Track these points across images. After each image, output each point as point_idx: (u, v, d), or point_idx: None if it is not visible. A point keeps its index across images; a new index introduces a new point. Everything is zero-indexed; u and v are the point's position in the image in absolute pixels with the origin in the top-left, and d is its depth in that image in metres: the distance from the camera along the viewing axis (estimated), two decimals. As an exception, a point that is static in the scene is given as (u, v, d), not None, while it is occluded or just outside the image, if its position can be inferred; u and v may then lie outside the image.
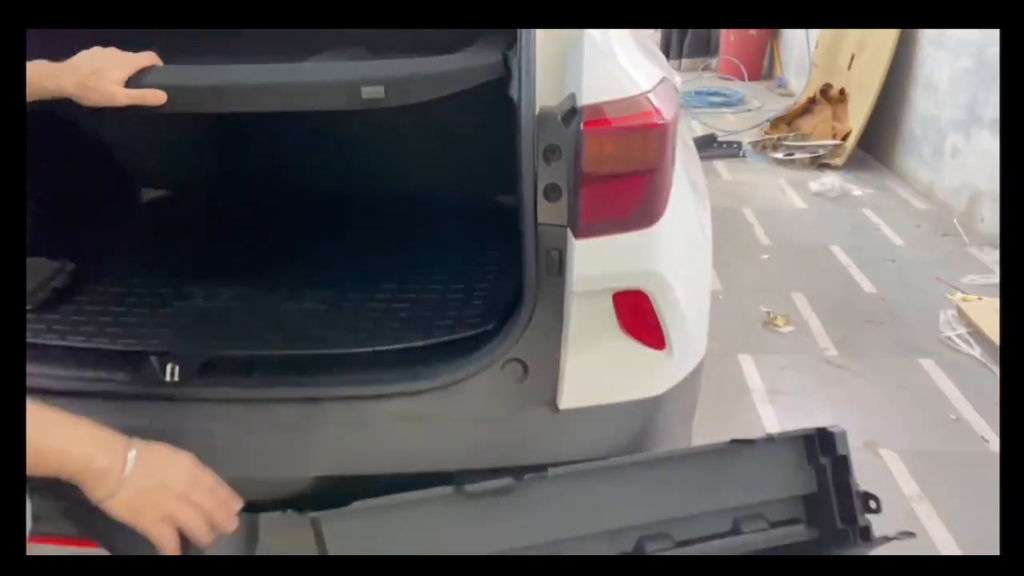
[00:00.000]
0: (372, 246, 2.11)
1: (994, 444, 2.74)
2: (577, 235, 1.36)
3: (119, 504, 1.03)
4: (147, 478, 1.05)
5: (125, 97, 1.22)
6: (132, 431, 1.11)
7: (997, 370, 3.17)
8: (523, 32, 1.38)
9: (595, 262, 1.38)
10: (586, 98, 1.33)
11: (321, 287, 1.81)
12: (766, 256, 4.44)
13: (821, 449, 1.51)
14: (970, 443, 2.77)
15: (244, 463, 1.45)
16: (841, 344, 3.44)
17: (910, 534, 1.51)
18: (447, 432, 1.46)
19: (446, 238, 2.09)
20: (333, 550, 1.30)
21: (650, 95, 1.38)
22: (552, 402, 1.48)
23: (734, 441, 1.47)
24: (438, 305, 1.71)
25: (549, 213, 1.37)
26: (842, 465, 1.50)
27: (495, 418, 1.47)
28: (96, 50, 1.23)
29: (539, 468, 1.36)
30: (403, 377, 1.47)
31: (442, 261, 1.93)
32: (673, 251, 1.47)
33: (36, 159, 1.60)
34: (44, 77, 1.17)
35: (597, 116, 1.32)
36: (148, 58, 1.29)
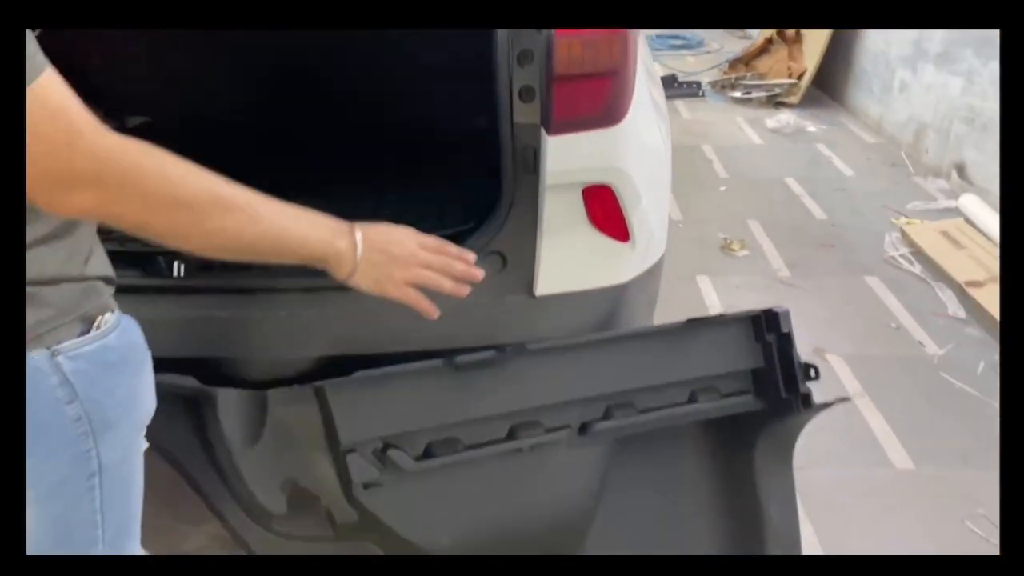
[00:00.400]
0: (361, 161, 2.24)
1: (929, 348, 2.99)
2: (550, 132, 1.51)
3: (362, 279, 1.11)
4: (377, 252, 1.11)
5: (398, 296, 1.16)
6: (151, 321, 1.23)
7: (935, 285, 3.42)
8: None
9: (566, 158, 1.54)
10: None
11: (309, 195, 1.94)
12: (723, 188, 4.64)
13: (767, 327, 1.70)
14: (908, 348, 3.01)
15: (250, 346, 1.60)
16: (793, 265, 3.65)
17: (845, 399, 1.71)
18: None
19: (431, 155, 2.22)
20: (338, 416, 1.46)
21: None
22: (529, 289, 1.64)
23: (690, 320, 1.66)
24: (423, 206, 1.86)
25: (524, 113, 1.52)
26: (786, 341, 1.69)
27: (478, 304, 1.63)
28: (385, 235, 1.15)
29: (519, 344, 1.53)
30: None
31: (427, 172, 2.07)
32: (636, 150, 1.63)
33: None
34: (337, 264, 1.10)
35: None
36: (437, 243, 1.19)
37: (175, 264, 1.63)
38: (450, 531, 1.55)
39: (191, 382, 1.51)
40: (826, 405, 1.68)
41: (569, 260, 1.65)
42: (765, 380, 1.71)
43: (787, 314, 1.70)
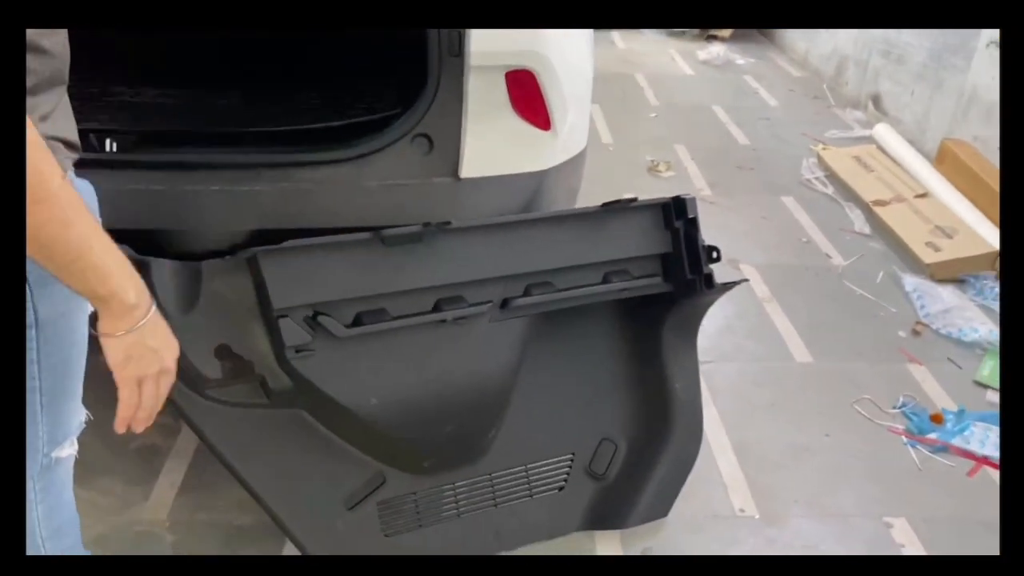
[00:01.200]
0: (295, 51, 2.28)
1: (835, 260, 3.19)
2: (474, 18, 1.58)
3: (119, 346, 1.04)
4: (151, 337, 1.06)
5: None
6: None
7: (845, 205, 3.62)
8: None
9: (490, 40, 1.62)
10: None
11: (246, 82, 1.98)
12: (653, 115, 4.76)
13: (676, 214, 1.83)
14: (816, 259, 3.22)
15: (185, 219, 1.65)
16: (715, 185, 3.82)
17: (744, 280, 1.86)
18: (364, 195, 1.70)
19: (359, 47, 2.26)
20: (270, 283, 1.53)
21: None
22: (454, 172, 1.73)
23: (605, 204, 1.77)
24: (354, 92, 1.92)
25: (450, -2, 1.59)
26: (692, 226, 1.82)
27: (405, 184, 1.72)
28: None
29: (444, 222, 1.62)
30: (326, 149, 1.70)
31: (357, 62, 2.12)
32: (558, 40, 1.71)
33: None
34: None
35: None
36: None
37: (107, 140, 1.66)
38: (378, 394, 1.65)
39: (126, 250, 1.56)
40: (726, 285, 1.83)
41: (493, 145, 1.74)
42: (673, 264, 1.85)
43: (694, 201, 1.82)
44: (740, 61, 5.76)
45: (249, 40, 2.37)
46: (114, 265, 0.99)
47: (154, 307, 1.06)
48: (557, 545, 1.87)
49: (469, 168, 1.73)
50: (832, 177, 3.89)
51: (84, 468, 2.01)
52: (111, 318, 1.02)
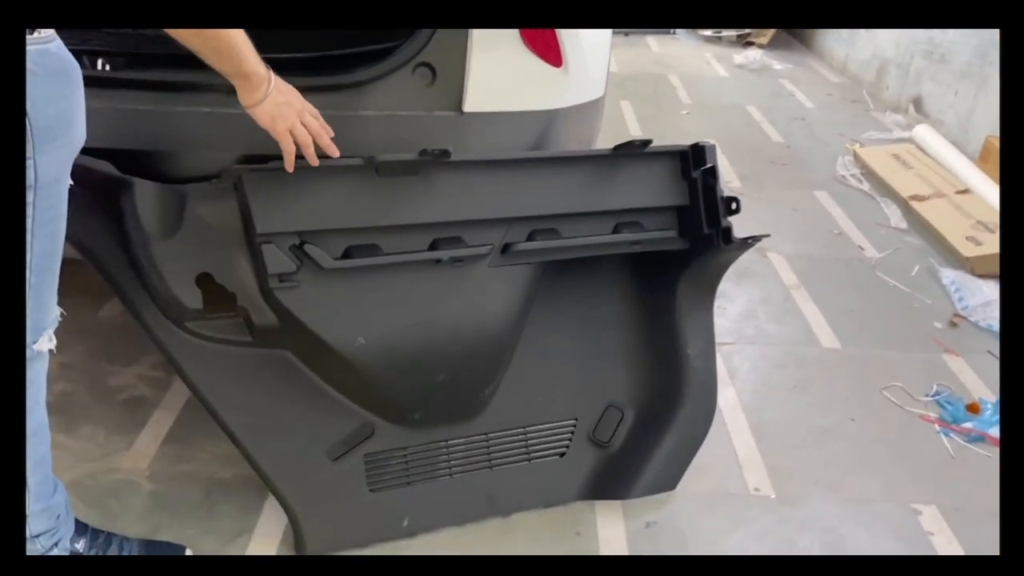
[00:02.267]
0: None
1: (869, 252, 3.04)
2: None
3: (264, 111, 1.35)
4: (280, 94, 1.36)
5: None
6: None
7: (881, 200, 3.47)
8: None
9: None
10: None
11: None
12: (685, 112, 4.64)
13: (694, 163, 1.71)
14: (848, 251, 3.06)
15: (172, 140, 1.58)
16: (745, 178, 3.69)
17: (766, 235, 1.74)
18: (362, 126, 1.61)
19: None
20: (255, 205, 1.45)
21: None
22: (458, 105, 1.64)
23: (618, 147, 1.67)
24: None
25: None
26: (711, 175, 1.71)
27: (406, 115, 1.63)
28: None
29: (443, 151, 1.52)
30: (322, 74, 1.61)
31: None
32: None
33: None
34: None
35: None
36: None
37: (99, 61, 1.60)
38: (365, 334, 1.55)
39: (108, 167, 1.49)
40: (747, 241, 1.70)
41: (499, 78, 1.65)
42: (689, 218, 1.74)
43: (713, 148, 1.71)
44: (777, 66, 5.63)
45: None
46: (250, 52, 1.28)
47: (272, 74, 1.34)
48: (555, 514, 1.75)
49: (473, 102, 1.64)
50: (868, 174, 3.73)
51: (67, 416, 1.97)
52: (251, 91, 1.32)
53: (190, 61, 1.28)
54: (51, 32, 1.07)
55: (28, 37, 1.01)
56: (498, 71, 1.64)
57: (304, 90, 1.57)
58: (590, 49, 1.76)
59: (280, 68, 1.64)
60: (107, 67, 1.58)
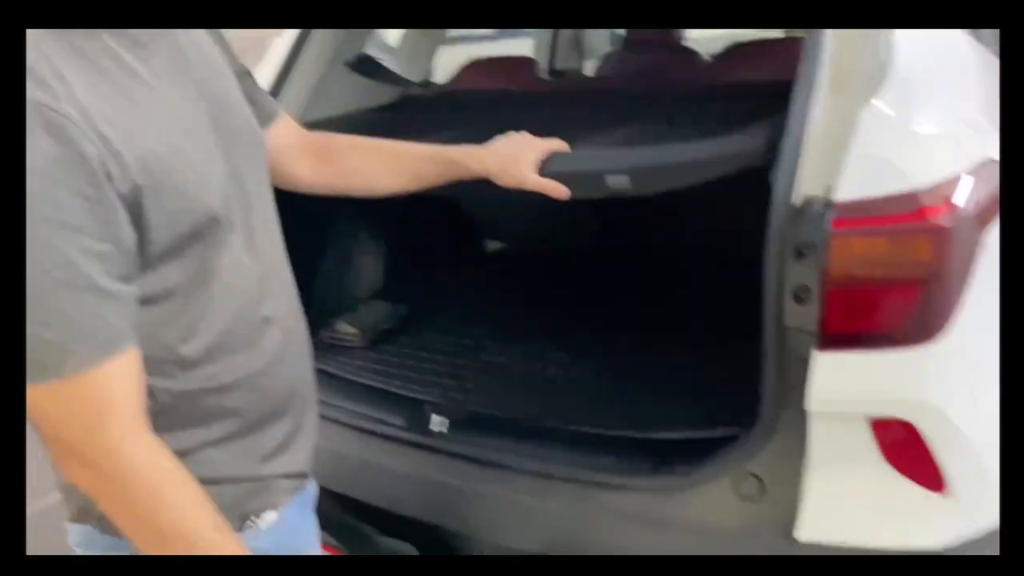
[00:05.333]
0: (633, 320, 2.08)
1: None
2: (821, 346, 1.17)
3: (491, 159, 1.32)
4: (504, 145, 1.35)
5: (533, 184, 1.33)
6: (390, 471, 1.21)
7: None
8: (797, 104, 1.26)
9: (845, 381, 1.17)
10: (843, 191, 1.15)
11: (589, 357, 1.83)
12: None
13: None
14: None
15: (476, 525, 1.51)
16: None
17: None
18: (662, 538, 1.35)
19: (691, 341, 1.92)
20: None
21: (938, 188, 1.14)
22: (788, 530, 1.29)
23: None
24: (682, 395, 1.61)
25: (797, 316, 1.19)
26: None
27: (719, 536, 1.33)
28: (514, 135, 1.37)
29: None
30: (629, 468, 1.41)
31: (684, 364, 1.78)
32: (959, 376, 1.18)
33: (391, 212, 1.86)
34: (471, 159, 1.32)
35: (852, 213, 1.13)
36: (558, 143, 1.39)
37: (436, 417, 1.61)
38: None
39: (409, 549, 1.48)
40: None
41: (849, 502, 1.26)
42: None
43: None
44: None
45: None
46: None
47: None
48: None
49: (812, 529, 1.27)
50: None
51: None
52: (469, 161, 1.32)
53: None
54: (272, 516, 1.02)
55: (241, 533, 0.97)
56: (848, 494, 1.25)
57: (598, 486, 1.40)
58: (990, 454, 1.26)
59: (579, 444, 1.49)
60: (444, 428, 1.58)
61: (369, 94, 2.24)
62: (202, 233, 0.90)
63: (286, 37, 1.96)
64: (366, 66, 2.16)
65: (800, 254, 1.19)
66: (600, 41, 4.09)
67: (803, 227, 1.18)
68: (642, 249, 2.49)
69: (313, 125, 1.93)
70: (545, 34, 3.38)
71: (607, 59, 3.13)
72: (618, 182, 1.35)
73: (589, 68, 3.28)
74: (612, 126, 1.68)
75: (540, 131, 1.60)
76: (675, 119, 1.71)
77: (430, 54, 2.69)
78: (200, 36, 1.02)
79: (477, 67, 2.64)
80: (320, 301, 2.06)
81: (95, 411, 0.82)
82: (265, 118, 1.17)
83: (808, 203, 1.19)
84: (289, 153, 1.24)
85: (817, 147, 1.23)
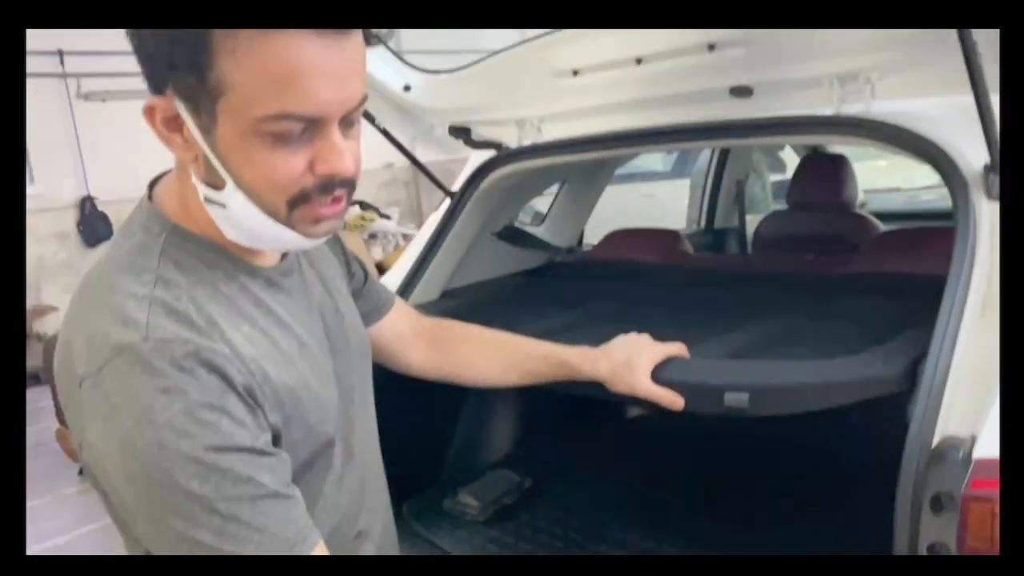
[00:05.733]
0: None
1: None
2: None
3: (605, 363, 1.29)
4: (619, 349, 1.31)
5: (646, 392, 1.26)
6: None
7: None
8: (943, 324, 1.15)
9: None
10: (987, 445, 1.01)
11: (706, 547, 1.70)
12: None
13: None
14: None
15: None
16: None
17: None
18: None
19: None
20: None
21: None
22: None
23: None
24: None
25: None
26: None
27: None
28: (632, 336, 1.33)
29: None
30: None
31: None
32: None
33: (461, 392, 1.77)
34: (584, 362, 1.29)
35: (991, 474, 0.98)
36: (677, 348, 1.32)
37: None
38: None
39: None
40: None
41: None
42: None
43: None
44: None
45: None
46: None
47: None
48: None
49: None
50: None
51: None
52: (582, 363, 1.31)
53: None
54: None
55: None
56: None
57: None
58: None
59: None
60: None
61: (515, 260, 2.28)
62: (316, 458, 0.95)
63: (440, 209, 2.07)
64: (513, 235, 2.22)
65: (937, 505, 1.05)
66: (762, 197, 4.14)
67: (941, 475, 1.04)
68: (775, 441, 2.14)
69: (457, 292, 2.07)
70: (703, 185, 3.46)
71: (768, 219, 3.10)
72: (737, 400, 1.25)
73: (750, 225, 3.36)
74: (745, 318, 1.63)
75: (668, 318, 1.62)
76: (815, 313, 1.62)
77: (580, 219, 2.73)
78: (321, 253, 1.09)
79: (623, 236, 2.62)
80: (451, 467, 2.07)
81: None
82: (382, 308, 1.27)
83: (948, 446, 1.05)
84: (402, 341, 1.31)
85: (962, 379, 1.11)
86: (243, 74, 0.77)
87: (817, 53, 1.45)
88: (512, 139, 1.94)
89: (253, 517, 0.80)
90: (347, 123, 0.84)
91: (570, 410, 2.27)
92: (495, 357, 1.34)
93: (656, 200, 5.55)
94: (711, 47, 1.52)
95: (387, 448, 1.73)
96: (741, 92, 1.57)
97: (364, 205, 7.51)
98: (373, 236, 7.19)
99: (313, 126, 0.81)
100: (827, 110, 1.48)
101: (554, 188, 2.64)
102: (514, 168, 1.91)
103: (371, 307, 1.23)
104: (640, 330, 1.36)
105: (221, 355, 0.82)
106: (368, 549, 1.05)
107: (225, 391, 0.81)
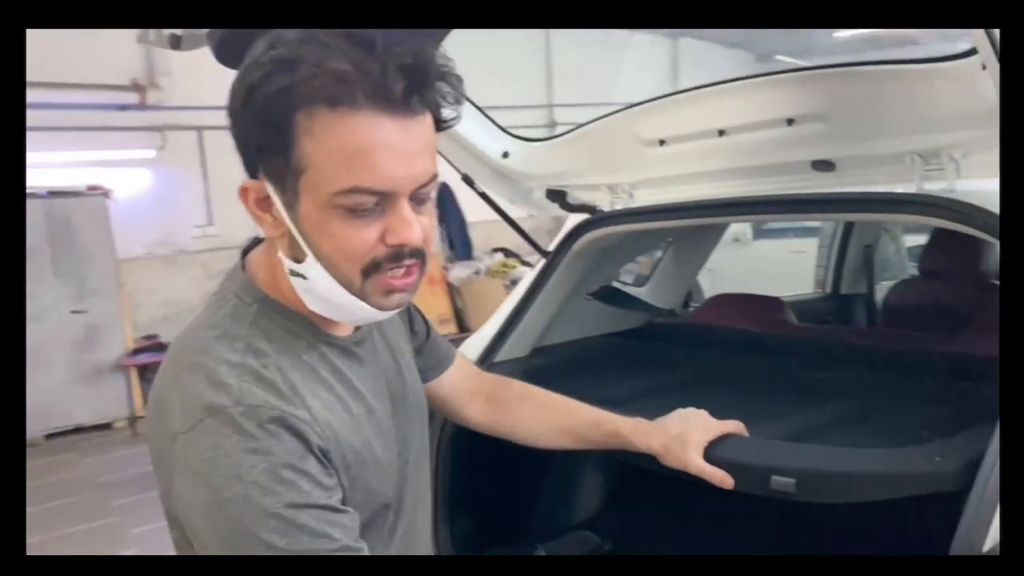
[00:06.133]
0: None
1: None
2: None
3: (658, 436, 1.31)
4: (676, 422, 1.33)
5: (696, 468, 1.26)
6: None
7: None
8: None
9: None
10: None
11: None
12: None
13: None
14: None
15: None
16: None
17: None
18: None
19: None
20: None
21: None
22: None
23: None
24: None
25: None
26: None
27: None
28: (690, 411, 1.34)
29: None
30: None
31: None
32: None
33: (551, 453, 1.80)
34: (637, 435, 1.31)
35: None
36: (733, 426, 1.33)
37: None
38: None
39: None
40: None
41: None
42: None
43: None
44: None
45: None
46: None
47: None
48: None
49: None
50: None
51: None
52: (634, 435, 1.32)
53: None
54: None
55: None
56: None
57: None
58: None
59: None
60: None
61: (612, 320, 2.31)
62: (374, 519, 1.03)
63: (536, 268, 2.14)
64: (610, 295, 2.26)
65: None
66: (897, 261, 3.95)
67: None
68: None
69: (547, 349, 2.13)
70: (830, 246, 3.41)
71: (899, 287, 3.04)
72: (783, 484, 1.23)
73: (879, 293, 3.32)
74: (821, 396, 1.62)
75: (744, 391, 1.64)
76: (898, 395, 1.59)
77: (685, 281, 2.73)
78: (392, 321, 1.17)
79: (724, 301, 2.64)
80: (536, 524, 2.09)
81: None
82: (443, 364, 1.35)
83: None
84: (461, 397, 1.38)
85: None
86: (320, 152, 0.86)
87: (895, 129, 1.46)
88: (605, 203, 2.03)
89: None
90: (418, 199, 0.92)
91: (662, 475, 2.30)
92: (548, 421, 1.38)
93: (806, 256, 5.36)
94: (790, 121, 1.56)
95: (477, 498, 1.90)
96: (823, 166, 1.60)
97: (507, 252, 7.73)
98: (514, 282, 7.47)
99: (384, 200, 0.89)
100: (909, 187, 1.47)
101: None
102: (607, 231, 1.98)
103: (432, 363, 1.31)
104: (713, 402, 1.37)
105: (303, 420, 0.90)
106: None
107: (305, 453, 0.89)
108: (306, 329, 0.99)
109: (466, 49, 1.25)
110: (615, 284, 2.33)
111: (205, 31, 1.28)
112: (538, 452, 1.60)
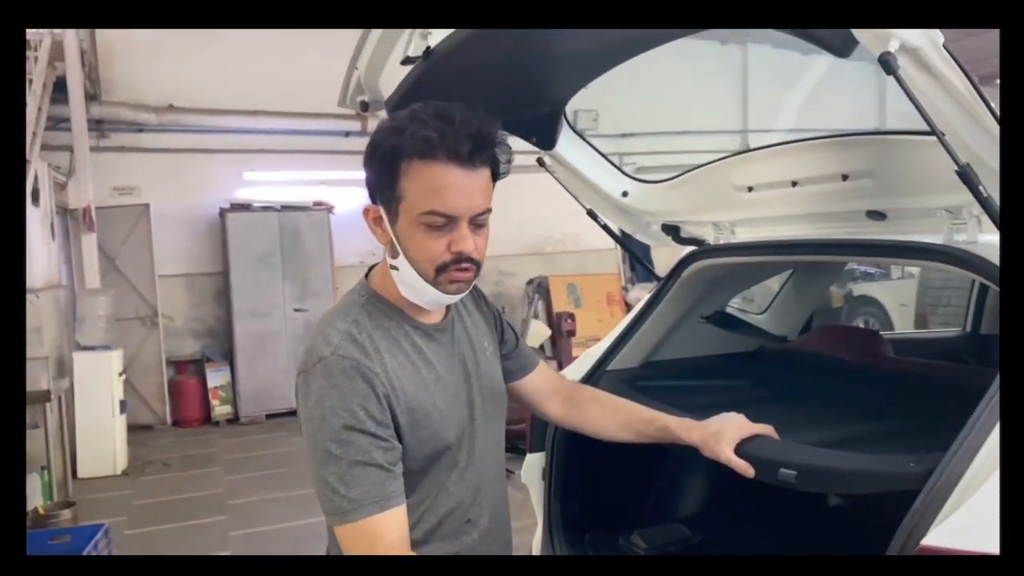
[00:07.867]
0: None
1: None
2: None
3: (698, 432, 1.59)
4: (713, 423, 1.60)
5: (725, 459, 1.54)
6: None
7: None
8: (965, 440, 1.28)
9: None
10: (940, 537, 1.17)
11: None
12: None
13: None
14: None
15: None
16: None
17: None
18: None
19: None
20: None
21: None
22: None
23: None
24: None
25: None
26: None
27: None
28: (730, 414, 1.61)
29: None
30: None
31: None
32: None
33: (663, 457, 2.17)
34: (682, 429, 1.61)
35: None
36: (763, 428, 1.59)
37: None
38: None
39: None
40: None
41: None
42: None
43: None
44: None
45: None
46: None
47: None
48: None
49: None
50: None
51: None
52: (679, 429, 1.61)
53: None
54: None
55: None
56: None
57: None
58: None
59: None
60: None
61: (724, 343, 2.58)
62: (439, 456, 1.40)
63: (650, 289, 2.47)
64: (720, 319, 2.54)
65: None
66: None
67: None
68: None
69: (655, 364, 2.41)
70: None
71: None
72: (787, 476, 1.51)
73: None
74: (867, 416, 1.84)
75: (801, 406, 1.87)
76: (940, 414, 1.66)
77: (803, 311, 3.02)
78: (476, 322, 1.57)
79: (828, 331, 2.96)
80: (643, 513, 2.35)
81: (370, 543, 1.28)
82: (527, 368, 1.70)
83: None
84: (542, 395, 1.73)
85: (972, 493, 1.22)
86: (413, 187, 1.29)
87: (925, 187, 1.69)
88: (711, 238, 2.34)
89: (362, 475, 1.27)
90: (476, 224, 1.33)
91: (759, 486, 2.30)
92: (612, 419, 1.70)
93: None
94: (844, 177, 1.84)
95: (588, 486, 2.26)
96: (876, 216, 1.85)
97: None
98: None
99: (451, 221, 1.30)
100: (937, 238, 1.68)
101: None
102: (710, 262, 2.27)
103: (519, 366, 1.68)
104: (771, 413, 1.63)
105: (373, 372, 1.31)
106: (473, 534, 1.47)
107: (369, 394, 1.30)
108: (399, 315, 1.41)
109: (672, 76, 1.42)
110: (728, 310, 2.61)
111: (384, 99, 1.96)
112: (651, 455, 1.95)
